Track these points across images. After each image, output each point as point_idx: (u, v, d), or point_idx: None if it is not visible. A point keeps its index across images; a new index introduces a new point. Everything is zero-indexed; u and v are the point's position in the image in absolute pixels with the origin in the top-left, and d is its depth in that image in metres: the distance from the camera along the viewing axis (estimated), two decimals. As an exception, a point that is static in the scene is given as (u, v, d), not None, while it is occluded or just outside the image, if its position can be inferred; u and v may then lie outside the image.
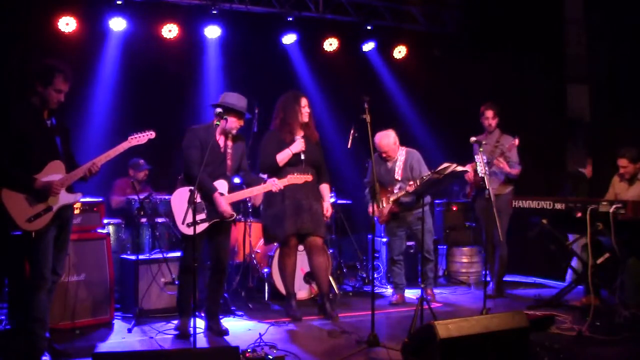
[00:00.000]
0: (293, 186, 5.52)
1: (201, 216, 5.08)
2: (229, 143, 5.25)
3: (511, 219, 6.82)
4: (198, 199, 5.04)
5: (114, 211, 6.80)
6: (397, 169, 6.49)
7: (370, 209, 6.39)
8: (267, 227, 5.81)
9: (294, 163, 5.63)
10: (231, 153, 5.24)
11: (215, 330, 5.21)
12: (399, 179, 6.43)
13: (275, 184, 5.25)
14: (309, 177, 5.40)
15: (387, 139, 6.46)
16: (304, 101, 5.73)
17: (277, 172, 5.60)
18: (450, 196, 8.05)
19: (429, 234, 6.57)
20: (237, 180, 5.53)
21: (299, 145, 5.63)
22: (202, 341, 5.06)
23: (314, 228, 5.70)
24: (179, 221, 5.06)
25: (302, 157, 5.62)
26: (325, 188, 5.93)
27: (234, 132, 5.22)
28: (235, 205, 7.02)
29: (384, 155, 6.49)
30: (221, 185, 5.16)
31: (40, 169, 4.27)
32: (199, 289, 5.42)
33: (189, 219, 4.96)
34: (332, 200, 6.73)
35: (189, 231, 4.98)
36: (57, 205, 4.32)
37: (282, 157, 5.63)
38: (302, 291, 6.44)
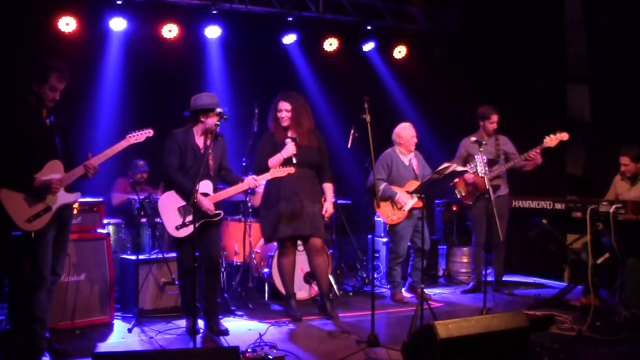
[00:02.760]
0: (289, 187, 5.55)
1: (188, 218, 5.07)
2: (209, 143, 5.23)
3: (511, 218, 6.85)
4: (183, 202, 5.08)
5: (115, 208, 6.79)
6: (414, 166, 6.55)
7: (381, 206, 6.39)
8: (263, 228, 5.82)
9: (286, 167, 5.53)
10: (212, 153, 5.22)
11: (215, 330, 5.20)
12: (418, 175, 6.48)
13: (253, 181, 5.22)
14: (291, 170, 5.36)
15: (411, 129, 6.57)
16: (280, 105, 5.68)
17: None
18: (450, 196, 8.05)
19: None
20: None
21: (289, 149, 5.59)
22: (211, 338, 5.08)
23: (312, 230, 5.69)
24: (168, 225, 5.09)
25: (294, 160, 5.56)
26: (328, 187, 5.91)
27: (214, 128, 5.10)
28: (235, 206, 7.07)
29: (410, 144, 6.52)
30: (206, 185, 5.15)
31: (39, 169, 4.27)
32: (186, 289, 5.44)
33: (178, 222, 5.02)
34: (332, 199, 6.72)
35: (180, 234, 5.05)
36: (56, 205, 4.32)
37: (274, 162, 5.60)
38: (302, 291, 6.44)
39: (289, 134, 5.71)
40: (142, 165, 7.06)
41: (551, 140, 6.38)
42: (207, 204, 5.08)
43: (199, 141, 5.20)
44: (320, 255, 5.84)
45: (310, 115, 5.84)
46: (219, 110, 4.86)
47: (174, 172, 5.10)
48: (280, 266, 5.87)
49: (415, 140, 6.61)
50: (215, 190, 5.22)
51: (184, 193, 5.03)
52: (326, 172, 5.91)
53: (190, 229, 5.05)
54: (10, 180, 4.20)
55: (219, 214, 5.18)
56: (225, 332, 5.19)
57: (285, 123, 5.69)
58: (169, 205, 5.11)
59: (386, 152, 6.63)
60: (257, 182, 5.24)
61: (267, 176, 5.32)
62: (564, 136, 6.37)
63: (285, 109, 5.66)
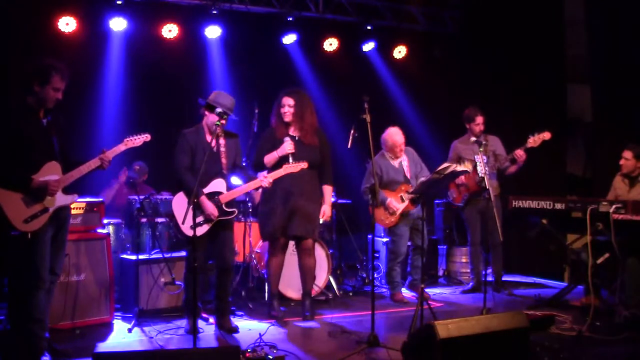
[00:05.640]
0: (286, 186, 5.50)
1: (201, 218, 5.11)
2: (222, 141, 5.24)
3: (511, 218, 6.85)
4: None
5: (108, 207, 6.75)
6: (405, 167, 6.54)
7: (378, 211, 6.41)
8: (260, 225, 5.83)
9: (282, 165, 5.44)
10: (225, 151, 5.23)
11: (226, 328, 5.26)
12: (409, 176, 6.48)
13: (264, 179, 5.21)
14: (304, 165, 5.34)
15: (400, 135, 6.55)
16: (283, 100, 5.65)
17: (271, 167, 5.55)
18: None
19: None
20: (237, 181, 5.54)
21: (285, 148, 5.53)
22: (212, 339, 5.12)
23: (304, 231, 5.67)
24: (182, 225, 5.08)
25: (291, 159, 5.47)
26: (327, 190, 5.87)
27: (213, 128, 5.13)
28: (235, 205, 7.06)
29: (397, 150, 6.52)
30: (218, 184, 5.16)
31: (36, 170, 4.25)
32: (202, 287, 5.46)
33: (191, 222, 4.99)
34: (332, 200, 6.71)
35: (191, 234, 5.02)
36: (53, 206, 4.31)
37: (269, 159, 5.60)
38: (299, 292, 6.41)
39: (291, 130, 5.68)
40: (137, 169, 6.99)
41: (534, 141, 6.42)
42: (210, 208, 5.09)
43: (210, 139, 5.21)
44: (310, 257, 5.82)
45: (314, 113, 5.80)
46: (219, 110, 4.86)
47: (183, 172, 5.11)
48: (268, 265, 5.85)
49: (400, 148, 6.56)
50: (229, 188, 5.23)
51: (190, 194, 5.03)
52: (327, 174, 5.86)
53: (203, 229, 5.12)
54: (7, 180, 4.18)
55: (233, 212, 5.20)
56: (235, 330, 5.25)
57: (287, 118, 5.66)
58: (183, 204, 5.08)
59: (374, 160, 6.58)
60: (268, 181, 5.22)
61: (281, 172, 5.29)
62: (546, 136, 6.41)
63: (288, 104, 5.64)
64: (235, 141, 5.37)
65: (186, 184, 5.07)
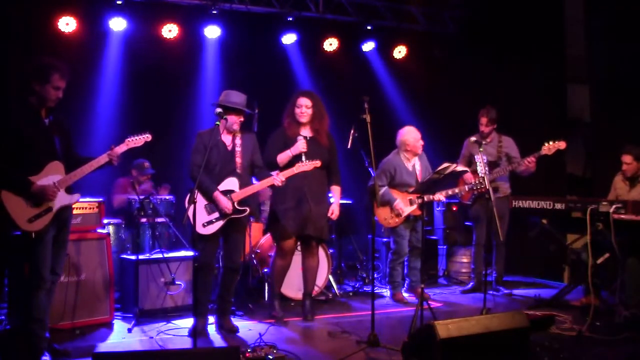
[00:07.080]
0: (297, 185, 5.48)
1: (215, 215, 5.13)
2: (238, 141, 5.26)
3: (511, 219, 6.86)
4: (205, 201, 5.12)
5: (116, 211, 6.78)
6: (417, 172, 6.53)
7: (381, 211, 6.41)
8: (270, 225, 5.81)
9: (295, 164, 5.43)
10: (240, 151, 5.24)
11: (226, 328, 5.28)
12: (420, 181, 6.47)
13: (277, 178, 5.20)
14: (317, 163, 5.32)
15: (417, 132, 6.53)
16: (300, 101, 5.63)
17: (284, 165, 5.54)
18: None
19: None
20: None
21: (298, 147, 5.52)
22: (213, 338, 5.12)
23: (316, 232, 5.64)
24: (195, 222, 5.08)
25: (303, 158, 5.47)
26: (336, 190, 5.83)
27: (234, 127, 5.22)
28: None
29: (410, 151, 6.50)
30: (231, 182, 5.18)
31: (39, 170, 4.25)
32: (206, 287, 5.44)
33: (205, 219, 5.07)
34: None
35: (205, 231, 5.09)
36: (57, 206, 4.32)
37: (282, 158, 5.57)
38: (301, 292, 6.41)
39: (303, 130, 5.66)
40: (147, 167, 7.00)
41: (549, 149, 6.40)
42: (225, 203, 5.11)
43: (225, 138, 5.25)
44: (315, 257, 5.82)
45: (327, 116, 5.80)
46: (218, 110, 4.86)
47: (196, 171, 5.09)
48: (274, 265, 5.81)
49: (421, 142, 6.57)
50: (244, 187, 5.23)
51: (204, 191, 5.07)
52: (335, 174, 5.83)
53: (216, 226, 5.13)
54: (7, 184, 4.18)
55: (245, 210, 5.21)
56: (236, 330, 5.26)
57: (303, 119, 5.62)
58: (198, 202, 5.07)
59: (389, 159, 6.58)
60: (281, 179, 5.20)
61: (294, 170, 5.28)
62: (561, 145, 6.39)
63: (305, 105, 5.61)
64: (252, 140, 5.38)
65: (200, 183, 5.05)
